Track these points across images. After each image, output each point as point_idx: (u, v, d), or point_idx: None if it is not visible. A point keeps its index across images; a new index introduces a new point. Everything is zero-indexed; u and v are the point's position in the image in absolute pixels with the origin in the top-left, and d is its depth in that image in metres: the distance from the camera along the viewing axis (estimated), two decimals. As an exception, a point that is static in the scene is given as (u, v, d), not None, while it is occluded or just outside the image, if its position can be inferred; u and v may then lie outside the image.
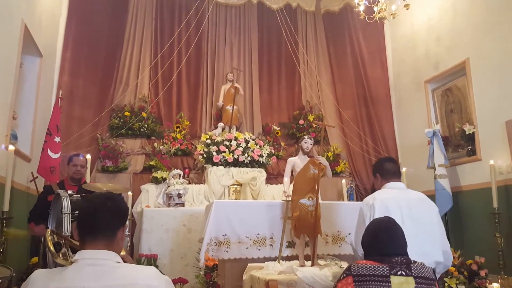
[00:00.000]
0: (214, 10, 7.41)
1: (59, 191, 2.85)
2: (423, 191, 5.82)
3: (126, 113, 6.42)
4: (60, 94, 5.30)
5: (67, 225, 2.55)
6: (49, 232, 1.76)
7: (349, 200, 6.39)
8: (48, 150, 4.58)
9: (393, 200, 2.43)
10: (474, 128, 5.25)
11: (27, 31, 4.41)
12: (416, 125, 6.35)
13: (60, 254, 1.69)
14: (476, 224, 5.12)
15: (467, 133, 5.31)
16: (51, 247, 1.63)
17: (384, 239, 1.90)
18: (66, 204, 2.62)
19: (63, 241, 1.76)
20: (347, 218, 4.19)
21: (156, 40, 7.09)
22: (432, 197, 5.28)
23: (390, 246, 1.87)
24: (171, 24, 7.24)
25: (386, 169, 2.60)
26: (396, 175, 2.59)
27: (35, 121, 4.90)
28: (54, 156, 4.62)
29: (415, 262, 1.85)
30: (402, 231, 1.95)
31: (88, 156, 4.91)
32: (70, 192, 2.82)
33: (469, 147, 5.34)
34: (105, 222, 1.50)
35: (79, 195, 2.77)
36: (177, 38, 6.99)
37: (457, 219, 5.39)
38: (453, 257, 3.43)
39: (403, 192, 2.54)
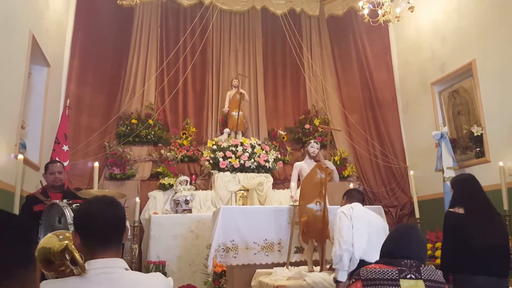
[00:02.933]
0: (219, 17, 7.46)
1: (56, 201, 2.80)
2: (432, 194, 5.85)
3: (133, 121, 6.46)
4: (67, 103, 5.36)
5: None
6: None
7: (357, 204, 6.33)
8: (57, 158, 4.62)
9: (360, 211, 3.22)
10: (482, 130, 5.21)
11: (35, 41, 4.48)
12: (424, 127, 6.31)
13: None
14: (486, 227, 5.04)
15: (475, 134, 5.27)
16: (79, 259, 1.53)
17: (396, 241, 1.92)
18: (69, 214, 2.61)
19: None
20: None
21: (162, 47, 7.15)
22: (441, 199, 5.25)
23: (401, 248, 1.86)
24: (176, 31, 7.29)
25: (353, 195, 3.43)
26: (359, 200, 3.35)
27: (43, 130, 4.96)
28: (63, 164, 4.66)
29: (425, 265, 1.83)
30: (420, 237, 1.95)
31: (96, 164, 4.94)
32: (65, 201, 2.80)
33: (478, 149, 5.29)
34: (116, 231, 1.50)
35: (78, 203, 2.76)
36: (182, 45, 7.03)
37: (467, 221, 5.31)
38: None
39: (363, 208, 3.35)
